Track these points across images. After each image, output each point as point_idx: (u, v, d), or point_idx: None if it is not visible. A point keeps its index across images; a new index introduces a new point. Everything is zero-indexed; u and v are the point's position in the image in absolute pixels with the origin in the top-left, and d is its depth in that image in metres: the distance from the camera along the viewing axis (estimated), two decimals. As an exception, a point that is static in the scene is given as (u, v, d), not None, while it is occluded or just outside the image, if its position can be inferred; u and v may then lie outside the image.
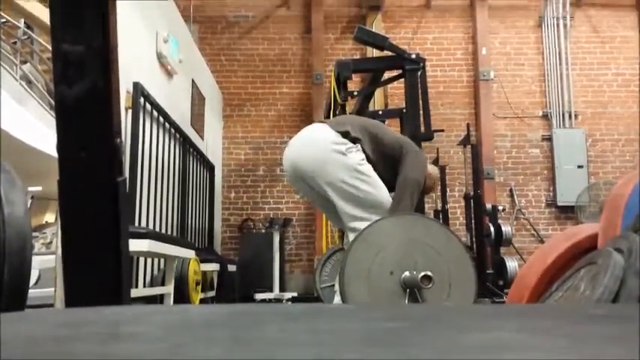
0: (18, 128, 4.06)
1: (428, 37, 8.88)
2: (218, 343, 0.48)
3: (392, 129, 3.65)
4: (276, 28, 8.92)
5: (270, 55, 8.86)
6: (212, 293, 6.14)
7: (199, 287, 4.95)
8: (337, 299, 2.89)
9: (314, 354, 0.43)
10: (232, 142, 8.66)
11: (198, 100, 6.92)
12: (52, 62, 0.85)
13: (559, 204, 8.36)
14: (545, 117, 8.67)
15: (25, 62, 5.00)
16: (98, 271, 0.88)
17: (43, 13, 4.27)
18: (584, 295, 1.55)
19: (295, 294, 7.27)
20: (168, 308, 1.31)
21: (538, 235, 8.32)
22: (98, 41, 0.82)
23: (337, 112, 4.99)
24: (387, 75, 5.09)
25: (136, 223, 4.39)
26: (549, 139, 8.56)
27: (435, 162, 7.43)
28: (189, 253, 4.61)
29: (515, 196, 8.46)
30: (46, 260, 4.42)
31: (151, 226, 4.79)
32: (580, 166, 8.36)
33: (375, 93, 6.77)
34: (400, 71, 4.72)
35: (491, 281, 6.21)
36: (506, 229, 6.54)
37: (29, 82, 4.68)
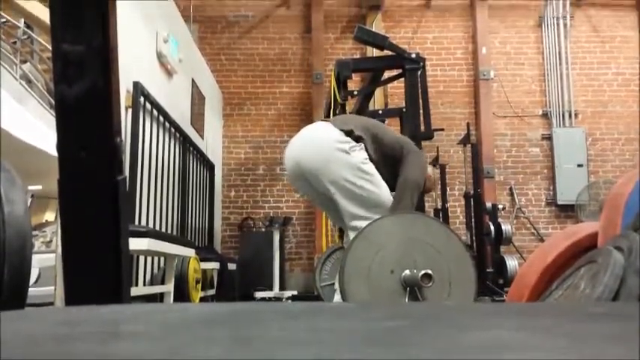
0: (18, 127, 4.06)
1: (428, 36, 8.87)
2: (218, 342, 0.48)
3: (392, 129, 3.65)
4: (276, 27, 8.92)
5: (270, 54, 8.85)
6: (212, 292, 6.14)
7: (199, 286, 4.95)
8: (337, 298, 2.89)
9: (314, 353, 0.43)
10: (232, 141, 8.66)
11: (198, 99, 6.92)
12: (52, 62, 0.85)
13: (559, 203, 8.36)
14: (545, 116, 8.68)
15: (25, 62, 4.99)
16: (98, 270, 0.88)
17: (43, 13, 4.27)
18: (584, 294, 1.55)
19: (295, 292, 7.28)
20: (168, 307, 1.31)
21: (538, 234, 8.32)
22: (98, 41, 0.82)
23: (337, 112, 4.99)
24: (387, 74, 5.09)
25: (136, 222, 4.39)
26: (549, 138, 8.57)
27: (435, 161, 7.43)
28: (189, 252, 4.61)
29: (515, 195, 8.46)
30: (45, 259, 4.41)
31: (151, 225, 4.79)
32: (580, 165, 8.36)
33: (375, 92, 6.77)
34: (400, 71, 4.73)
35: (491, 280, 6.21)
36: (506, 227, 6.53)
37: (29, 82, 4.67)
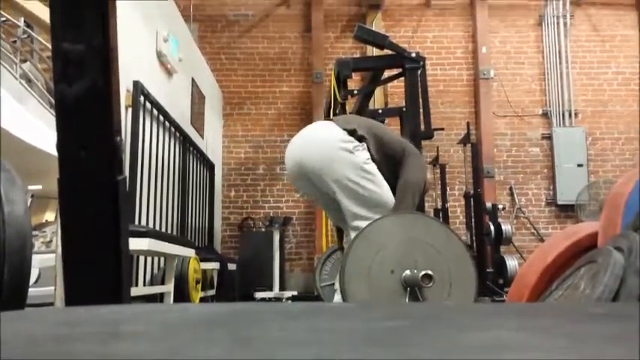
0: (18, 127, 4.06)
1: (428, 35, 8.87)
2: (218, 343, 0.48)
3: (392, 130, 3.66)
4: (276, 26, 8.92)
5: (270, 53, 8.85)
6: (212, 292, 6.14)
7: (199, 286, 4.95)
8: (337, 298, 2.89)
9: (314, 353, 0.43)
10: (232, 141, 8.66)
11: (198, 98, 6.92)
12: (52, 61, 0.85)
13: (559, 202, 8.36)
14: (545, 115, 8.67)
15: (25, 61, 4.99)
16: (98, 270, 0.88)
17: (43, 12, 4.26)
18: (584, 294, 1.55)
19: (295, 293, 7.28)
20: (168, 307, 1.31)
21: (538, 234, 8.32)
22: (98, 40, 0.82)
23: (337, 111, 4.99)
24: (387, 74, 5.09)
25: (136, 222, 4.39)
26: (549, 137, 8.56)
27: (435, 160, 7.44)
28: (189, 252, 4.61)
29: (515, 195, 8.46)
30: (46, 259, 4.41)
31: (151, 225, 4.79)
32: (580, 165, 8.36)
33: (375, 92, 6.76)
34: (400, 70, 4.72)
35: (491, 280, 6.21)
36: (506, 227, 6.53)
37: (29, 81, 4.67)
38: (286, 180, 8.34)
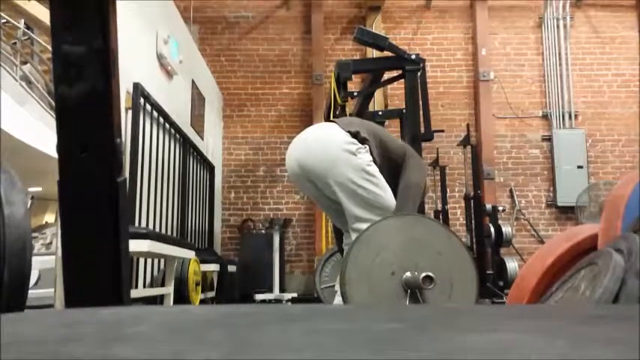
0: (18, 128, 4.06)
1: (428, 37, 8.88)
2: (218, 344, 0.48)
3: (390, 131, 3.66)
4: (276, 28, 8.92)
5: (271, 55, 8.86)
6: (212, 294, 6.14)
7: (199, 288, 4.95)
8: (337, 300, 2.89)
9: (314, 355, 0.43)
10: (232, 143, 8.66)
11: (198, 100, 6.92)
12: (52, 63, 0.85)
13: (559, 204, 8.35)
14: (545, 117, 8.68)
15: (25, 63, 5.00)
16: (98, 272, 0.88)
17: (43, 14, 4.27)
18: (584, 296, 1.55)
19: (295, 294, 7.27)
20: (168, 309, 1.31)
21: (538, 236, 8.32)
22: (98, 42, 0.82)
23: (337, 113, 4.99)
24: (387, 75, 5.10)
25: (136, 224, 4.39)
26: (549, 139, 8.57)
27: (435, 162, 7.44)
28: (189, 254, 4.61)
29: (515, 197, 8.46)
30: (45, 261, 4.41)
31: (151, 227, 4.79)
32: (580, 167, 8.36)
33: (375, 93, 6.77)
34: (400, 72, 4.73)
35: (492, 282, 6.21)
36: (506, 229, 6.53)
37: (29, 83, 4.68)
38: (286, 181, 8.35)
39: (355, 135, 2.84)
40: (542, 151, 8.60)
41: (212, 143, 7.73)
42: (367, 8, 8.77)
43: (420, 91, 4.53)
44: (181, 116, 6.10)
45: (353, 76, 4.90)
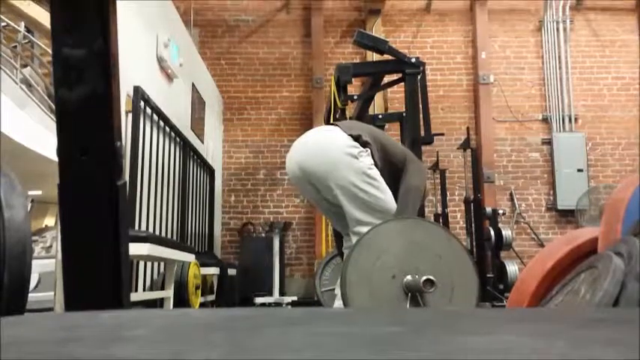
0: (18, 131, 4.06)
1: (428, 40, 8.89)
2: (217, 348, 0.48)
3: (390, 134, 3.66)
4: (276, 32, 8.93)
5: (271, 58, 8.87)
6: (212, 297, 6.13)
7: (199, 291, 4.94)
8: (338, 303, 2.88)
9: (314, 358, 0.42)
10: (232, 146, 8.66)
11: (198, 103, 6.93)
12: (52, 66, 0.85)
13: (559, 208, 8.35)
14: (545, 121, 8.68)
15: (25, 66, 5.00)
16: (98, 275, 0.88)
17: (44, 17, 4.28)
18: (584, 299, 1.55)
19: (295, 298, 7.26)
20: (167, 312, 1.31)
21: (538, 239, 8.32)
22: (99, 45, 0.82)
23: (337, 116, 4.99)
24: (386, 79, 5.11)
25: (136, 227, 4.39)
26: (549, 142, 8.57)
27: (435, 166, 7.44)
28: (189, 257, 4.60)
29: (516, 200, 8.46)
30: (45, 264, 4.42)
31: (151, 230, 4.78)
32: (580, 170, 8.36)
33: (375, 97, 6.77)
34: (400, 75, 4.73)
35: (492, 285, 6.20)
36: (506, 233, 6.53)
37: (29, 86, 4.68)
38: (286, 184, 8.35)
39: (357, 138, 2.84)
40: (542, 154, 8.60)
41: (212, 146, 7.73)
42: (367, 11, 8.78)
43: (420, 95, 4.53)
44: (181, 119, 6.10)
45: (353, 79, 4.91)
